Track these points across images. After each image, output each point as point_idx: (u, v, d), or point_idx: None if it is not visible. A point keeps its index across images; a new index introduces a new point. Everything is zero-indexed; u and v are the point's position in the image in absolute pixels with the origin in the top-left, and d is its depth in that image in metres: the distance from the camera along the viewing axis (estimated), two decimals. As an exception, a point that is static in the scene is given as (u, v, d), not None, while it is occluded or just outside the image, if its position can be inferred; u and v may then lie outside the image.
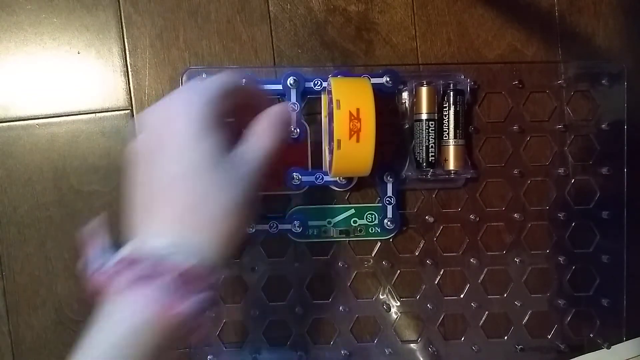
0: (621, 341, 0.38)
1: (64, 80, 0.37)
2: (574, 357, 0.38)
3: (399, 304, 0.38)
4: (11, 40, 0.37)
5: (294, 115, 0.36)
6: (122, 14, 0.37)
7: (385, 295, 0.38)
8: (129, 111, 0.37)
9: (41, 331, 0.37)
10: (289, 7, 0.37)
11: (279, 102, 0.37)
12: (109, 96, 0.37)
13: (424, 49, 0.38)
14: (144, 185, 0.27)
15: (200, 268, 0.24)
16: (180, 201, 0.26)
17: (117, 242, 0.26)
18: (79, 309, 0.37)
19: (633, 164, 0.38)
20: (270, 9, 0.37)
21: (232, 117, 0.30)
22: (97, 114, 0.37)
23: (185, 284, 0.23)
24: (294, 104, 0.36)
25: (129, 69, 0.37)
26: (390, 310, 0.38)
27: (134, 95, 0.37)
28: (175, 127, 0.26)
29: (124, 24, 0.37)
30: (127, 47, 0.37)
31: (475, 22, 0.38)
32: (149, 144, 0.27)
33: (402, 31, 0.38)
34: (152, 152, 0.27)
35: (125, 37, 0.37)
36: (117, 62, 0.37)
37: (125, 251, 0.24)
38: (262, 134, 0.30)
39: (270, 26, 0.37)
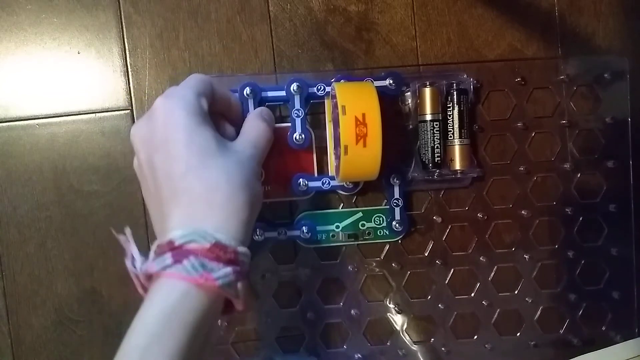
0: (633, 333, 0.39)
1: (64, 80, 0.37)
2: (587, 351, 0.38)
3: (410, 305, 0.38)
4: (11, 40, 0.37)
5: (298, 122, 0.36)
6: (122, 14, 0.37)
7: (396, 297, 0.38)
8: (129, 111, 0.37)
9: (41, 331, 0.37)
10: (289, 7, 0.37)
11: (282, 106, 0.37)
12: (109, 96, 0.37)
13: (424, 49, 0.38)
14: (157, 190, 0.29)
15: (220, 245, 0.26)
16: (192, 192, 0.28)
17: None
18: (79, 309, 0.37)
19: (638, 156, 0.38)
20: (270, 9, 0.37)
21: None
22: (97, 114, 0.37)
23: (210, 260, 0.26)
24: (297, 109, 0.36)
25: (129, 69, 0.37)
26: (401, 311, 0.38)
27: (134, 95, 0.37)
28: (175, 124, 0.28)
29: (124, 24, 0.37)
30: (127, 47, 0.37)
31: (475, 22, 0.38)
32: (150, 148, 0.29)
33: (402, 31, 0.38)
34: (157, 155, 0.29)
35: (125, 37, 0.37)
36: (117, 62, 0.37)
37: (154, 247, 0.27)
38: (253, 126, 0.32)
39: (270, 26, 0.37)
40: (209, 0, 0.37)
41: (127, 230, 0.30)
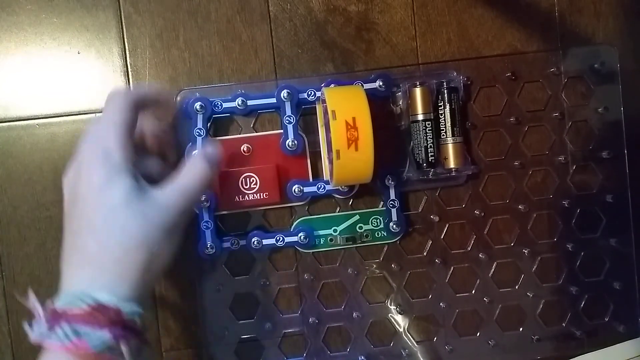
0: (636, 323, 0.38)
1: (64, 80, 0.37)
2: (591, 343, 0.38)
3: (411, 305, 0.38)
4: (11, 40, 0.37)
5: (290, 129, 0.36)
6: (122, 14, 0.37)
7: (397, 298, 0.38)
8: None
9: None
10: (289, 7, 0.37)
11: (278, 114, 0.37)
12: (109, 96, 0.38)
13: (424, 49, 0.38)
14: (65, 239, 0.29)
15: (101, 307, 0.26)
16: (86, 250, 0.28)
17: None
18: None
19: (632, 145, 0.38)
20: (270, 9, 0.37)
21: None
22: (97, 114, 0.37)
23: (86, 324, 0.25)
24: (289, 116, 0.36)
25: (129, 69, 0.37)
26: (403, 312, 0.38)
27: (134, 95, 0.37)
28: (87, 181, 0.28)
29: (124, 24, 0.37)
30: (127, 47, 0.37)
31: (475, 22, 0.38)
32: (70, 197, 0.29)
33: (402, 31, 0.38)
34: (71, 206, 0.29)
35: (125, 37, 0.37)
36: (117, 62, 0.37)
37: (46, 309, 0.27)
38: (190, 169, 0.31)
39: (270, 26, 0.37)
40: (209, 0, 0.37)
41: (30, 294, 0.28)
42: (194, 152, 0.33)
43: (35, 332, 0.26)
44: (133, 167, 0.29)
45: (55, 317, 0.26)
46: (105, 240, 0.27)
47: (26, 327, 0.27)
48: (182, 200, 0.30)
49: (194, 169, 0.31)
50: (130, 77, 0.37)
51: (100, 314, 0.26)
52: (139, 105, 0.31)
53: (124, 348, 0.26)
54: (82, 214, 0.28)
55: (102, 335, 0.25)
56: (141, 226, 0.28)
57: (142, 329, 0.28)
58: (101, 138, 0.29)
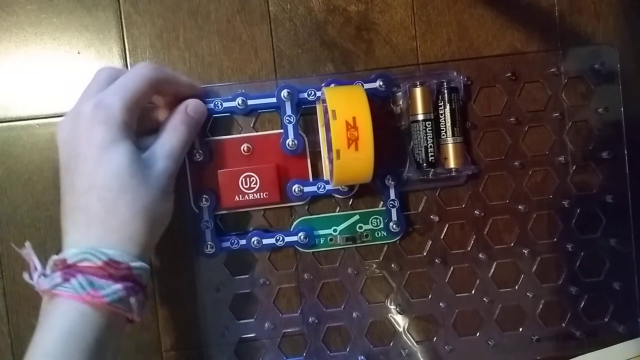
0: (636, 323, 0.38)
1: (64, 80, 0.37)
2: (591, 343, 0.38)
3: (411, 305, 0.38)
4: (11, 40, 0.37)
5: (290, 128, 0.36)
6: (122, 14, 0.37)
7: (397, 298, 0.38)
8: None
9: (40, 331, 0.38)
10: (289, 7, 0.37)
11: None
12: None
13: (424, 49, 0.38)
14: (66, 194, 0.30)
15: (113, 262, 0.27)
16: (92, 210, 0.28)
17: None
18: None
19: (633, 145, 0.38)
20: (270, 9, 0.37)
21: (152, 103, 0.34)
22: None
23: (100, 277, 0.27)
24: (289, 116, 0.36)
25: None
26: (403, 312, 0.38)
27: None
28: (91, 139, 0.29)
29: (124, 24, 0.37)
30: (127, 47, 0.37)
31: (475, 22, 0.38)
32: (68, 152, 0.30)
33: (402, 31, 0.38)
34: (71, 161, 0.30)
35: (125, 37, 0.37)
36: (117, 62, 0.37)
37: (50, 262, 0.28)
38: (172, 132, 0.32)
39: (270, 26, 0.37)
40: (209, 0, 0.37)
41: (27, 244, 0.30)
42: (177, 109, 0.33)
43: (47, 282, 0.27)
44: (133, 133, 0.30)
45: (68, 269, 0.27)
46: (112, 204, 0.28)
47: (26, 277, 0.29)
48: (172, 163, 0.31)
49: (173, 131, 0.32)
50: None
51: (113, 269, 0.27)
52: (160, 83, 0.32)
53: (132, 301, 0.28)
54: (84, 172, 0.29)
55: (115, 288, 0.27)
56: (145, 191, 0.29)
57: (147, 285, 0.30)
58: (107, 96, 0.30)
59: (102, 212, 0.28)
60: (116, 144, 0.29)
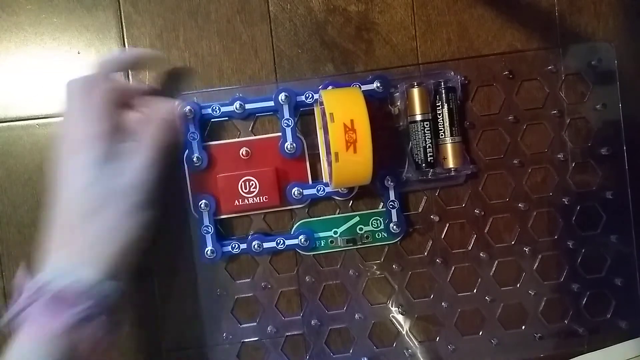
0: (638, 319, 0.38)
1: (64, 80, 0.37)
2: (593, 340, 0.38)
3: (413, 305, 0.38)
4: (11, 40, 0.37)
5: (289, 131, 0.36)
6: (122, 14, 0.37)
7: (398, 299, 0.38)
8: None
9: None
10: (289, 7, 0.37)
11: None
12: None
13: (424, 49, 0.38)
14: (50, 208, 0.30)
15: (74, 287, 0.27)
16: (63, 229, 0.29)
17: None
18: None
19: (631, 141, 0.38)
20: (270, 9, 0.37)
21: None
22: None
23: (59, 302, 0.26)
24: (287, 119, 0.36)
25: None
26: (405, 312, 0.38)
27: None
28: (65, 148, 0.30)
29: (124, 24, 0.37)
30: (127, 47, 0.37)
31: (475, 22, 0.38)
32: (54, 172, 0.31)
33: (402, 31, 0.38)
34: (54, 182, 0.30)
35: (125, 37, 0.37)
36: None
37: (26, 285, 0.28)
38: (142, 139, 0.32)
39: (270, 26, 0.37)
40: (209, 0, 0.37)
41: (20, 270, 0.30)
42: (148, 121, 0.33)
43: (11, 311, 0.27)
44: (110, 142, 0.30)
45: (32, 295, 0.27)
46: (80, 227, 0.29)
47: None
48: (142, 172, 0.31)
49: (151, 141, 0.32)
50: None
51: (80, 290, 0.27)
52: (123, 69, 0.33)
53: (100, 322, 0.27)
54: (55, 187, 0.30)
55: (79, 310, 0.27)
56: (113, 206, 0.29)
57: (118, 304, 0.29)
58: (78, 122, 0.31)
59: (69, 231, 0.29)
60: (89, 149, 0.30)
